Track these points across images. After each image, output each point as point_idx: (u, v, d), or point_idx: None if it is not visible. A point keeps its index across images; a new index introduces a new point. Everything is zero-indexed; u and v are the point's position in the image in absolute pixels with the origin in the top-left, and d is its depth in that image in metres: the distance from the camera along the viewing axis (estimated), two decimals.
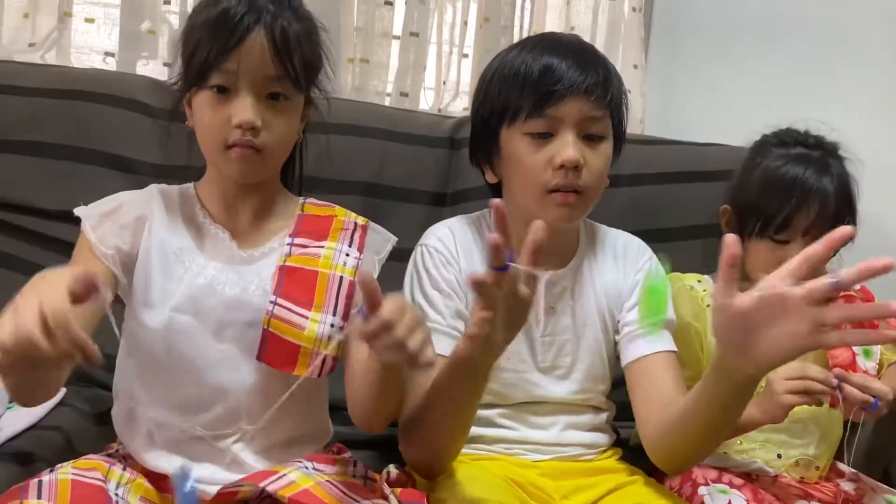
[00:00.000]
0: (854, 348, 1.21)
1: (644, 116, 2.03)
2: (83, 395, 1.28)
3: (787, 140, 1.26)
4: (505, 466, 1.09)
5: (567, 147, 1.03)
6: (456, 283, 1.10)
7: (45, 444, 1.10)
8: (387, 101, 1.88)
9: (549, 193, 1.05)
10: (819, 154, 1.22)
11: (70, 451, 1.08)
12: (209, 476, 0.94)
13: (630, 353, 1.12)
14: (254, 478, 0.88)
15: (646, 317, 1.09)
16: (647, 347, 1.11)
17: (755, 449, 1.23)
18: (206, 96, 0.94)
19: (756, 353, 0.81)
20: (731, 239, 0.78)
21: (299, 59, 0.96)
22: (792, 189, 1.19)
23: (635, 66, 2.03)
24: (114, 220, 0.98)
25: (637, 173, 1.64)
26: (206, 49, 0.92)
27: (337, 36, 1.82)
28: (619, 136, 1.14)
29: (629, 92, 2.00)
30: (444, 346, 1.01)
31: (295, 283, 0.96)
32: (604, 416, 1.19)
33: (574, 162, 1.03)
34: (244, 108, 0.92)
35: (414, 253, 1.15)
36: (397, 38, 1.87)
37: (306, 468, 0.92)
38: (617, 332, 1.16)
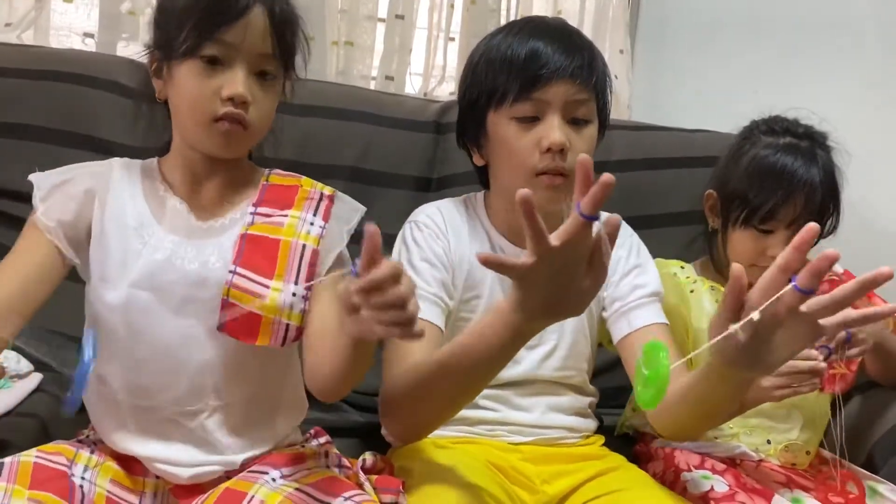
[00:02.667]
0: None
1: (631, 102, 2.02)
2: (60, 381, 1.26)
3: (776, 128, 1.25)
4: (486, 450, 1.08)
5: (553, 130, 1.04)
6: (444, 256, 1.12)
7: (19, 431, 1.09)
8: (372, 85, 1.86)
9: (536, 176, 1.06)
10: (807, 144, 1.22)
11: (45, 438, 1.05)
12: (182, 457, 0.93)
13: (622, 327, 1.12)
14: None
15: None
16: (641, 320, 1.12)
17: (745, 433, 1.23)
18: (194, 66, 0.92)
19: (760, 364, 0.82)
20: (738, 271, 0.77)
21: (289, 39, 0.97)
22: (780, 180, 1.19)
23: (621, 52, 2.02)
24: (62, 192, 0.96)
25: (624, 159, 1.65)
26: (203, 19, 0.91)
27: (321, 18, 1.81)
28: (604, 121, 1.14)
29: (615, 77, 2.02)
30: (428, 313, 1.04)
31: (256, 252, 0.94)
32: (587, 400, 1.18)
33: (560, 145, 1.04)
34: (236, 82, 0.91)
35: (402, 230, 1.16)
36: (382, 20, 1.86)
37: (273, 480, 0.90)
38: (603, 308, 1.16)
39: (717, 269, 1.27)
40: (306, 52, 1.03)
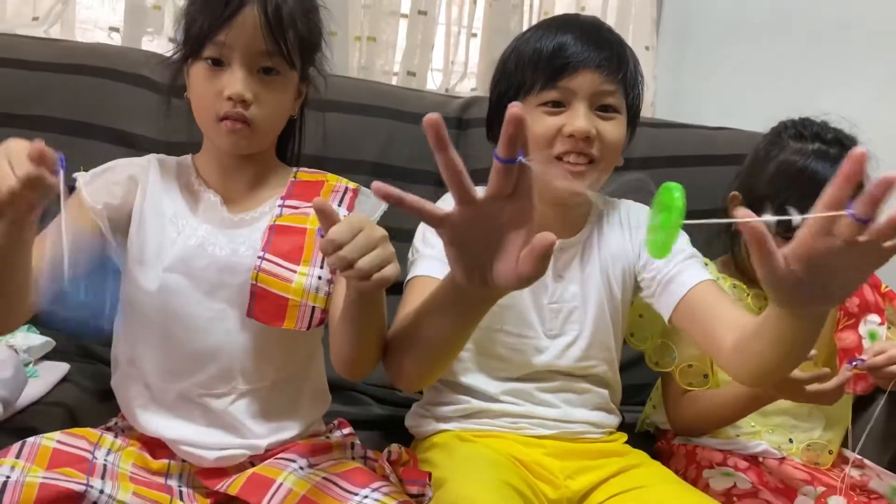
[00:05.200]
0: (860, 332, 1.20)
1: (655, 99, 2.02)
2: (87, 373, 1.28)
3: (805, 133, 1.22)
4: (510, 445, 1.08)
5: (578, 117, 1.05)
6: None
7: (48, 418, 1.10)
8: (394, 81, 1.87)
9: (557, 161, 1.06)
10: (837, 151, 1.19)
11: (73, 426, 1.07)
12: (208, 440, 0.95)
13: (669, 299, 1.08)
14: (249, 492, 0.88)
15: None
16: (686, 284, 1.08)
17: (767, 432, 1.22)
18: (201, 68, 0.96)
19: (825, 297, 0.76)
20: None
21: (293, 35, 0.97)
22: (807, 189, 1.16)
23: (647, 48, 2.01)
24: (106, 178, 1.00)
25: (647, 156, 1.64)
26: (200, 20, 0.94)
27: (344, 14, 1.81)
28: (633, 117, 1.14)
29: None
30: (432, 269, 1.04)
31: (284, 240, 0.97)
32: (607, 393, 1.18)
33: (584, 132, 1.04)
34: (234, 81, 0.94)
35: None
36: (405, 16, 1.86)
37: (300, 469, 0.92)
38: (639, 289, 1.15)
39: (738, 268, 1.26)
40: (324, 47, 1.04)
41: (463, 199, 0.69)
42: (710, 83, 2.00)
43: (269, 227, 0.98)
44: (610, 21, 1.97)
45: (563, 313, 1.14)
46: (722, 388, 1.20)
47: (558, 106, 1.06)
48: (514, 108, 0.65)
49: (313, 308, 0.94)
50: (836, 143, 1.19)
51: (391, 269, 0.77)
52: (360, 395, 1.40)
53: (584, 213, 1.17)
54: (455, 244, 0.73)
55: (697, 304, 1.06)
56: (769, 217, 0.70)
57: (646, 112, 1.96)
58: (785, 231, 1.16)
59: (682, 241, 1.15)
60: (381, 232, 0.78)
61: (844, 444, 1.25)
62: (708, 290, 1.07)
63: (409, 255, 1.11)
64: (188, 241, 0.97)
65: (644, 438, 1.36)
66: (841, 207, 0.68)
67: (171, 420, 0.97)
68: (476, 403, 1.12)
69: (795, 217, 0.70)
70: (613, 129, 1.08)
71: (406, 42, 1.86)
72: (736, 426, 1.21)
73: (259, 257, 0.95)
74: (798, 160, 1.18)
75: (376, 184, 0.68)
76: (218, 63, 0.94)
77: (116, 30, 1.70)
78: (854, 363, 1.09)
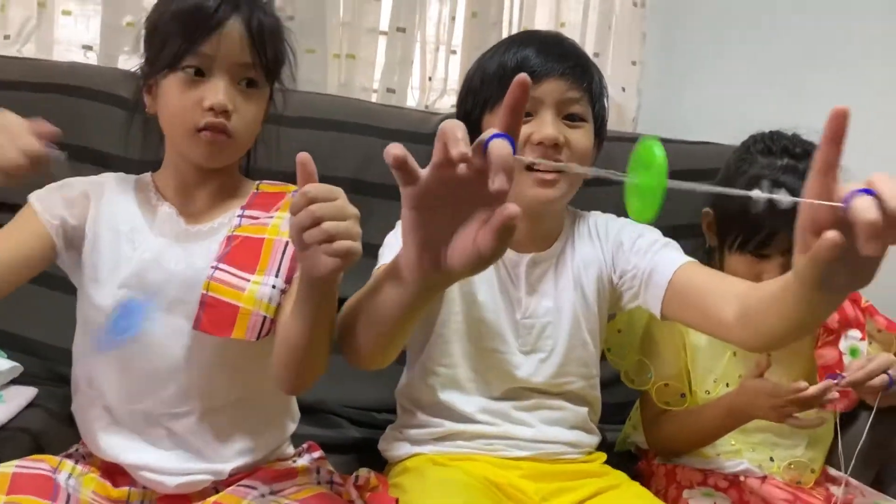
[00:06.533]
0: (841, 348, 1.18)
1: (638, 115, 2.01)
2: (56, 397, 1.25)
3: (773, 148, 1.20)
4: (484, 467, 1.06)
5: (546, 125, 1.05)
6: None
7: (11, 445, 1.07)
8: (373, 98, 1.86)
9: (527, 171, 1.05)
10: (806, 165, 1.16)
11: (37, 453, 1.05)
12: (170, 465, 0.93)
13: (656, 291, 1.05)
14: None
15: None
16: (668, 271, 1.04)
17: (748, 450, 1.20)
18: (178, 79, 0.94)
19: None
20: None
21: (271, 50, 0.98)
22: (777, 206, 1.13)
23: (633, 63, 2.01)
24: (60, 194, 0.99)
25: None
26: (183, 33, 0.94)
27: (323, 31, 1.80)
28: (600, 129, 1.14)
29: (623, 90, 2.01)
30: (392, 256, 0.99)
31: (241, 250, 0.95)
32: (586, 411, 1.15)
33: (553, 139, 1.04)
34: (216, 91, 0.93)
35: None
36: (384, 33, 1.85)
37: (262, 496, 0.90)
38: (620, 298, 1.13)
39: None
40: (293, 63, 1.05)
41: (441, 161, 0.64)
42: (696, 97, 1.99)
43: (226, 238, 0.97)
44: (590, 36, 1.98)
45: (537, 328, 1.12)
46: (699, 407, 1.18)
47: (525, 116, 1.05)
48: (521, 75, 0.63)
49: (264, 318, 0.92)
50: (805, 157, 1.18)
51: (356, 246, 0.74)
52: (335, 418, 1.38)
53: (556, 227, 1.16)
54: (419, 208, 0.67)
55: (685, 286, 1.03)
56: (758, 193, 0.66)
57: (627, 127, 1.97)
58: (756, 249, 1.16)
59: (654, 232, 1.13)
60: (355, 211, 0.75)
61: (828, 462, 1.23)
62: (692, 270, 1.05)
63: (379, 253, 1.09)
64: (143, 256, 0.95)
65: (625, 458, 1.34)
66: (833, 171, 0.64)
67: (133, 443, 0.95)
68: (450, 425, 1.10)
69: (786, 199, 0.65)
70: (581, 137, 1.08)
71: (385, 59, 1.85)
72: (716, 445, 1.19)
73: (212, 267, 0.93)
74: (767, 175, 1.17)
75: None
76: (199, 73, 0.94)
77: (91, 48, 1.68)
78: (835, 380, 1.07)
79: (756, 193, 0.65)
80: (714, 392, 1.20)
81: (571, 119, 1.08)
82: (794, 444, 1.21)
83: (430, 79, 1.90)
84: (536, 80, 1.05)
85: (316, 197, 0.73)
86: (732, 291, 0.96)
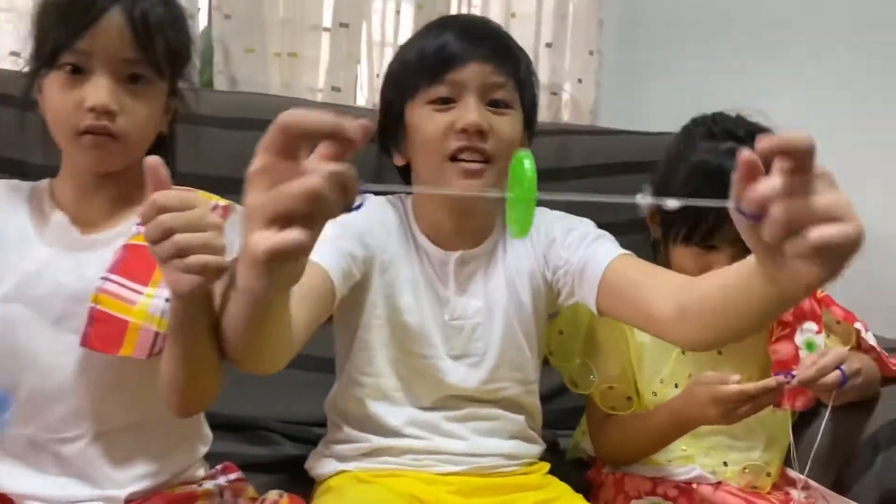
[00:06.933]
0: (797, 342, 1.11)
1: (596, 107, 1.94)
2: None
3: (715, 132, 1.12)
4: (412, 483, 0.99)
5: (469, 110, 0.98)
6: (361, 240, 0.99)
7: None
8: (319, 98, 1.79)
9: (452, 162, 0.98)
10: (751, 148, 1.09)
11: None
12: (58, 492, 0.86)
13: (590, 285, 0.98)
14: None
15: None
16: (601, 264, 0.98)
17: (699, 455, 1.12)
18: (58, 78, 0.87)
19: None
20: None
21: (161, 43, 0.90)
22: (723, 191, 1.05)
23: (590, 53, 1.94)
24: None
25: (581, 165, 1.58)
26: (59, 27, 0.86)
27: (261, 29, 1.74)
28: (529, 119, 1.07)
29: (580, 81, 1.94)
30: (322, 254, 0.91)
31: (136, 260, 0.87)
32: (524, 419, 1.08)
33: (476, 125, 0.97)
34: (98, 91, 0.86)
35: None
36: (327, 30, 1.78)
37: None
38: (557, 295, 1.06)
39: None
40: (194, 58, 0.97)
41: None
42: (656, 86, 1.93)
43: (122, 247, 0.89)
44: (546, 26, 1.91)
45: (467, 330, 1.05)
46: (646, 412, 1.11)
47: (448, 102, 1.00)
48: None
49: (156, 334, 0.84)
50: (750, 139, 1.10)
51: (215, 260, 0.66)
52: (270, 434, 1.30)
53: (487, 223, 1.08)
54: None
55: (619, 279, 0.97)
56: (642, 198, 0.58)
57: (585, 120, 1.90)
58: (702, 240, 1.09)
59: (587, 226, 1.07)
60: (218, 220, 0.68)
61: (787, 464, 1.16)
62: (626, 262, 0.99)
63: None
64: (27, 267, 0.88)
65: (577, 466, 1.26)
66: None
67: (20, 469, 0.87)
68: (377, 441, 1.03)
69: (672, 202, 0.57)
70: (508, 124, 1.01)
71: (330, 56, 1.78)
72: (667, 451, 1.11)
73: (103, 277, 0.85)
74: (710, 160, 1.09)
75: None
76: (78, 71, 0.86)
77: (18, 54, 1.61)
78: (786, 378, 0.99)
79: (640, 198, 0.57)
80: (661, 393, 1.12)
81: (496, 106, 1.01)
82: (749, 445, 1.13)
83: (378, 76, 1.82)
84: (458, 65, 0.99)
85: (166, 206, 0.65)
86: (668, 285, 0.90)
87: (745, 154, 0.55)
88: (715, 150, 1.10)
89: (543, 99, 1.91)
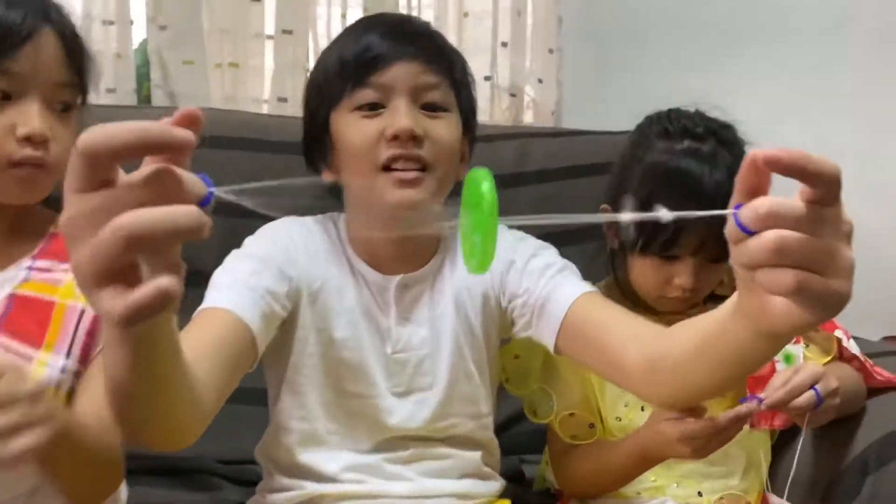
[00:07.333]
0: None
1: (558, 108, 1.85)
2: None
3: (671, 130, 1.03)
4: None
5: (399, 114, 0.88)
6: (281, 269, 0.89)
7: None
8: (265, 109, 1.69)
9: (385, 172, 0.88)
10: (710, 147, 1.00)
11: None
12: None
13: (550, 324, 0.89)
14: None
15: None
16: (565, 302, 0.88)
17: (671, 486, 1.03)
18: None
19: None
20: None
21: (88, 65, 0.85)
22: (681, 193, 0.96)
23: (550, 51, 1.85)
24: None
25: (542, 169, 1.51)
26: None
27: (200, 39, 1.64)
28: (468, 123, 0.97)
29: (540, 81, 1.85)
30: (226, 300, 0.81)
31: (25, 315, 0.79)
32: (479, 456, 0.99)
33: (409, 130, 0.87)
34: (32, 117, 0.78)
35: None
36: (271, 38, 1.69)
37: None
38: (512, 323, 0.96)
39: (622, 291, 1.07)
40: (96, 76, 0.89)
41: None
42: (620, 85, 1.85)
43: (7, 297, 0.79)
44: (503, 25, 1.81)
45: (412, 364, 0.95)
46: (611, 443, 1.01)
47: (376, 108, 0.90)
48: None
49: None
50: (709, 136, 1.01)
51: (30, 439, 0.58)
52: (210, 478, 1.20)
53: (431, 243, 0.98)
54: None
55: (584, 322, 0.87)
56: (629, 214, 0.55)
57: (547, 122, 1.81)
58: (661, 250, 1.00)
59: (551, 254, 0.97)
60: (35, 388, 0.59)
61: (768, 489, 1.06)
62: (592, 302, 0.89)
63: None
64: None
65: (546, 497, 1.17)
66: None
67: None
68: (311, 487, 0.93)
69: (666, 214, 0.54)
70: (444, 129, 0.91)
71: (274, 65, 1.68)
72: (636, 481, 1.01)
73: None
74: (666, 161, 1.00)
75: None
76: (5, 97, 0.78)
77: None
78: (755, 401, 0.90)
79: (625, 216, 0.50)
80: (627, 418, 1.03)
81: (431, 109, 0.91)
82: (726, 471, 1.03)
83: None
84: (384, 66, 0.90)
85: None
86: (639, 335, 0.81)
87: (759, 155, 0.46)
88: (671, 149, 1.01)
89: (504, 101, 1.82)
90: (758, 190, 0.48)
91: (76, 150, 0.40)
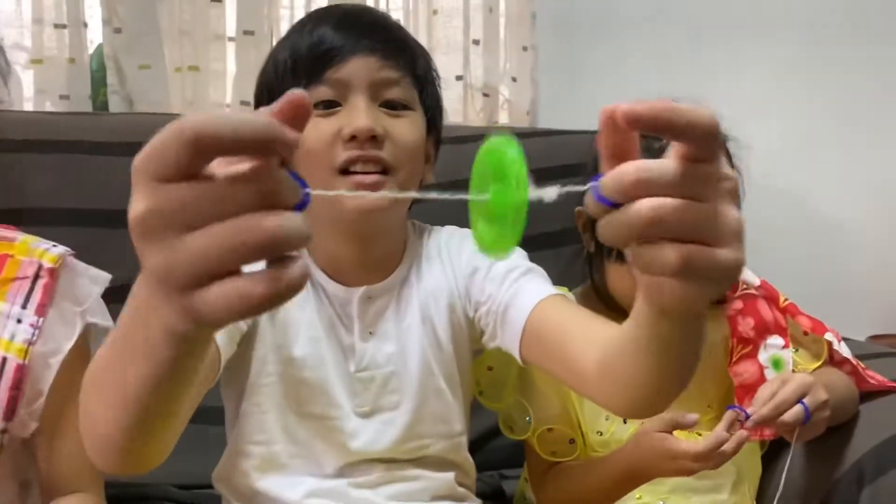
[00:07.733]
0: (761, 360, 0.97)
1: (533, 107, 1.79)
2: None
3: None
4: None
5: (357, 113, 0.81)
6: None
7: None
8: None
9: (343, 176, 0.81)
10: (662, 143, 0.94)
11: None
12: None
13: (513, 331, 0.82)
14: None
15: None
16: (526, 307, 0.81)
17: (656, 503, 0.97)
18: None
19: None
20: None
21: None
22: None
23: (524, 49, 1.79)
24: None
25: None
26: None
27: (158, 42, 1.57)
28: (433, 123, 0.91)
29: (514, 80, 1.79)
30: None
31: None
32: (453, 476, 0.92)
33: (367, 129, 0.80)
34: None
35: None
36: (232, 39, 1.62)
37: None
38: (481, 332, 0.89)
39: (600, 297, 1.01)
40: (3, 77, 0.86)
41: None
42: (596, 83, 1.80)
43: None
44: (476, 20, 1.75)
45: (378, 382, 0.88)
46: (593, 461, 0.95)
47: (332, 106, 0.83)
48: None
49: None
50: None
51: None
52: None
53: (395, 249, 0.92)
54: None
55: (544, 327, 0.80)
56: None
57: (522, 122, 1.75)
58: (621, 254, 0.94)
59: (515, 256, 0.89)
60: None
61: (759, 502, 1.01)
62: (553, 306, 0.81)
63: None
64: None
65: None
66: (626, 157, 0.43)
67: None
68: None
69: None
70: (406, 128, 0.84)
71: (237, 68, 1.62)
72: (623, 499, 0.95)
73: None
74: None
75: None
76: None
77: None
78: (742, 414, 0.84)
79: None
80: (609, 432, 0.97)
81: (392, 107, 0.85)
82: (715, 485, 0.98)
83: None
84: (339, 60, 0.83)
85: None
86: (598, 336, 0.71)
87: (615, 110, 0.40)
88: (649, 147, 0.94)
89: (478, 102, 1.76)
90: (624, 153, 0.42)
91: (174, 132, 0.33)
